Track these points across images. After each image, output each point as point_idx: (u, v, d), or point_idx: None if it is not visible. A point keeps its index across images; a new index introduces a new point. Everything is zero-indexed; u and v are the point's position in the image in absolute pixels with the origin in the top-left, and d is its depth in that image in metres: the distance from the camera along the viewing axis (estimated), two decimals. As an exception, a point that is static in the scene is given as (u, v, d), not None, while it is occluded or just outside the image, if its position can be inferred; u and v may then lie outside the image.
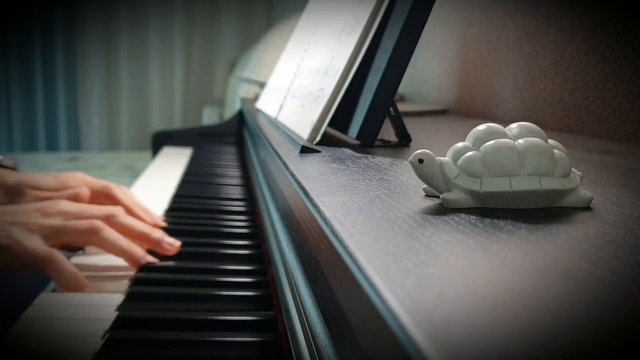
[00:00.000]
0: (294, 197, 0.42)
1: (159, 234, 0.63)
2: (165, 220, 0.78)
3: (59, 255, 0.56)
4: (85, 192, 0.69)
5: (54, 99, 3.47)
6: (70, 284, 0.55)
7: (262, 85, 1.42)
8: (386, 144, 0.61)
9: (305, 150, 0.54)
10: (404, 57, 0.55)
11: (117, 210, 0.63)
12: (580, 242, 0.25)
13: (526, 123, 0.34)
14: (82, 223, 0.59)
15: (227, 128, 1.58)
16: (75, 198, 0.68)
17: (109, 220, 0.61)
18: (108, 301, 0.52)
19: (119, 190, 0.72)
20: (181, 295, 0.54)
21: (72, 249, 0.65)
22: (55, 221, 0.59)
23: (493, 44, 1.07)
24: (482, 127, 0.33)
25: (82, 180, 0.75)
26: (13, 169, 0.80)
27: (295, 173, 0.42)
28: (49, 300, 0.52)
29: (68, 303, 0.52)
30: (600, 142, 0.67)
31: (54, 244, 0.58)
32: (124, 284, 0.56)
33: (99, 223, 0.59)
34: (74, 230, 0.58)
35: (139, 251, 0.60)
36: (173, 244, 0.63)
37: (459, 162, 0.32)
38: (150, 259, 0.60)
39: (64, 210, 0.61)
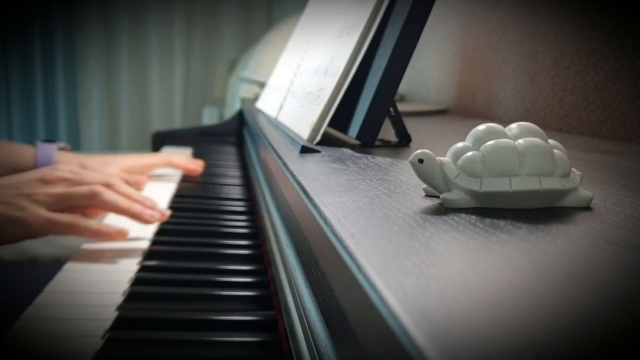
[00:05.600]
0: (294, 197, 0.42)
1: (151, 202, 0.68)
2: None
3: (80, 219, 0.61)
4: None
5: (54, 99, 3.46)
6: (101, 235, 0.62)
7: (262, 85, 1.42)
8: (386, 144, 0.61)
9: (305, 150, 0.54)
10: (404, 57, 0.55)
11: (114, 179, 0.67)
12: (580, 242, 0.25)
13: (526, 123, 0.34)
14: (84, 188, 0.63)
15: (227, 128, 1.58)
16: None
17: (107, 187, 0.66)
18: (108, 301, 0.52)
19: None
20: (181, 295, 0.54)
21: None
22: (59, 189, 0.63)
23: (493, 44, 1.07)
24: (482, 127, 0.33)
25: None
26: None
27: (295, 173, 0.42)
28: (49, 300, 0.52)
29: (68, 303, 0.52)
30: (600, 142, 0.67)
31: (59, 209, 0.62)
32: (124, 284, 0.56)
33: (99, 187, 0.64)
34: (77, 196, 0.63)
35: (138, 208, 0.65)
36: (164, 212, 0.68)
37: (459, 162, 0.32)
38: (149, 212, 0.66)
39: (62, 176, 0.65)
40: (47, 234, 0.61)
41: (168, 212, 0.69)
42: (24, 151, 0.96)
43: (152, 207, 0.67)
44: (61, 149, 1.00)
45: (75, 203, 0.63)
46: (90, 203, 0.64)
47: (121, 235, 0.63)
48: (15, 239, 0.61)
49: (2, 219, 0.59)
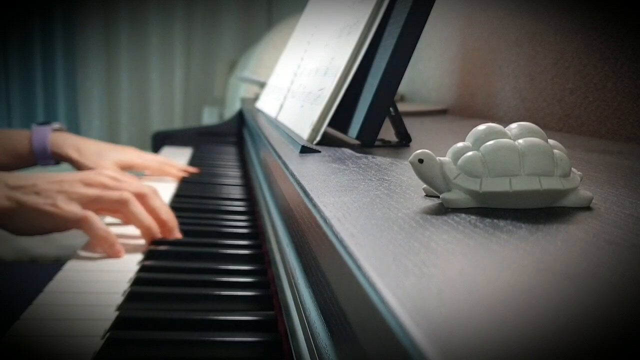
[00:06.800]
0: (294, 197, 0.42)
1: (172, 223, 0.71)
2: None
3: (94, 216, 0.64)
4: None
5: (54, 99, 3.46)
6: (103, 242, 0.64)
7: (262, 85, 1.42)
8: (386, 144, 0.61)
9: (305, 150, 0.54)
10: (404, 57, 0.55)
11: (148, 191, 0.71)
12: (580, 242, 0.25)
13: (526, 123, 0.34)
14: (115, 193, 0.68)
15: (227, 128, 1.58)
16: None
17: (139, 198, 0.70)
18: (108, 301, 0.52)
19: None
20: (181, 295, 0.54)
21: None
22: (94, 191, 0.68)
23: (493, 44, 1.07)
24: (482, 127, 0.33)
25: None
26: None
27: (295, 173, 0.42)
28: (49, 300, 0.52)
29: (68, 303, 0.52)
30: (600, 142, 0.67)
31: (90, 210, 0.66)
32: (124, 284, 0.56)
33: (129, 195, 0.68)
34: (107, 199, 0.68)
35: (155, 231, 0.68)
36: (177, 236, 0.71)
37: (459, 162, 0.32)
38: (159, 235, 0.68)
39: (103, 182, 0.71)
40: (71, 228, 0.65)
41: (180, 236, 0.71)
42: (19, 135, 1.02)
43: (170, 232, 0.69)
44: (57, 129, 1.04)
45: (105, 206, 0.67)
46: (117, 209, 0.68)
47: (116, 253, 0.64)
48: (45, 230, 0.65)
49: (37, 211, 0.64)
